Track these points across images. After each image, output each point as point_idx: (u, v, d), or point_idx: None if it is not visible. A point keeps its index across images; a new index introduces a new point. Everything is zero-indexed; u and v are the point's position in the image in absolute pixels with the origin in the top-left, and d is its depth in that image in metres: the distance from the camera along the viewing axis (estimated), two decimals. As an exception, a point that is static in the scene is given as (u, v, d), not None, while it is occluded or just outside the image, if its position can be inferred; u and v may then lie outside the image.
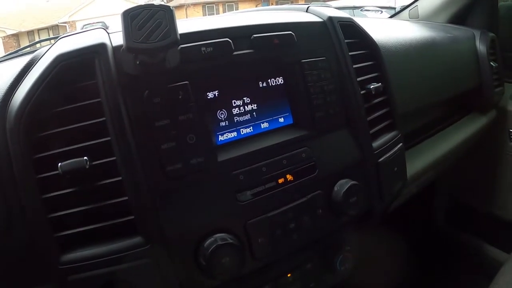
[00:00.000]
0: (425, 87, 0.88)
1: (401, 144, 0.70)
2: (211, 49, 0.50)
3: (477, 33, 1.10)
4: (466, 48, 1.07)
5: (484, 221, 1.26)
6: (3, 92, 0.46)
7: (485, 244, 1.24)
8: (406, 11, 1.19)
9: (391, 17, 1.25)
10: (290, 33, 0.56)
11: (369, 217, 0.66)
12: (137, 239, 0.45)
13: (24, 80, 0.46)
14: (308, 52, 0.58)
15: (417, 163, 0.86)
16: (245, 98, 0.54)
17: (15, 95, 0.46)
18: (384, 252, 1.22)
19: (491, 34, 1.12)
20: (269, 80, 0.56)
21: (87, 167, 0.43)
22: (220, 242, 0.46)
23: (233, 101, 0.53)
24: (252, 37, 0.53)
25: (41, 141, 0.44)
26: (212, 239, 0.47)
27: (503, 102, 1.17)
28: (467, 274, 1.22)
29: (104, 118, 0.44)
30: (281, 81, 0.56)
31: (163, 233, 0.46)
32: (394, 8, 1.11)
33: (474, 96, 1.09)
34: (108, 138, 0.44)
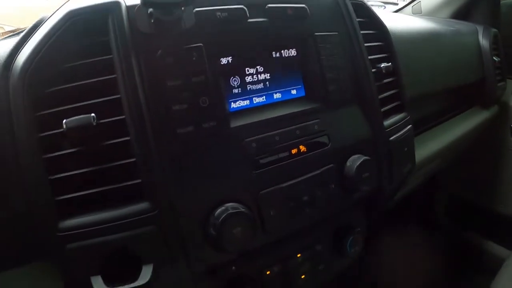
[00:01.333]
0: (429, 75, 0.88)
1: (410, 125, 0.70)
2: (226, 14, 0.49)
3: (480, 28, 1.11)
4: (469, 42, 1.08)
5: (485, 217, 1.26)
6: (7, 50, 0.45)
7: (486, 240, 1.24)
8: (409, 6, 1.20)
9: (394, 12, 1.26)
10: (304, 6, 0.56)
11: (379, 198, 0.65)
12: (143, 205, 0.43)
13: (31, 38, 0.45)
14: (322, 26, 0.58)
15: (423, 151, 0.86)
16: (258, 67, 0.52)
17: (21, 52, 0.44)
18: (384, 247, 1.22)
19: (494, 30, 1.13)
20: (282, 51, 0.55)
21: (94, 124, 0.41)
22: (231, 211, 0.45)
23: (246, 69, 0.52)
24: (266, 7, 0.53)
25: (46, 98, 0.42)
26: (223, 207, 0.45)
27: (505, 98, 1.18)
28: (468, 270, 1.21)
29: (114, 75, 0.43)
30: (294, 52, 0.56)
31: (172, 199, 0.44)
32: (397, 4, 1.12)
33: (476, 90, 1.09)
34: (118, 96, 0.43)
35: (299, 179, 0.51)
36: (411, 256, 1.19)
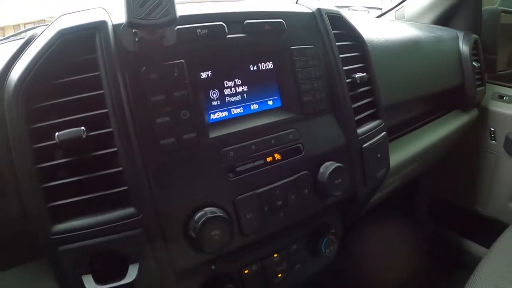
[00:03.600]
0: (408, 82, 0.92)
1: (384, 132, 0.73)
2: (206, 31, 0.52)
3: (460, 34, 1.15)
4: (450, 48, 1.11)
5: (465, 217, 1.30)
6: (2, 65, 0.48)
7: (465, 240, 1.28)
8: (393, 12, 1.24)
9: (377, 17, 1.29)
10: (281, 21, 0.59)
11: (353, 201, 0.69)
12: (129, 210, 0.47)
13: (24, 54, 0.48)
14: (297, 40, 0.61)
15: (400, 154, 0.90)
16: (236, 80, 0.56)
17: (15, 67, 0.47)
18: (364, 247, 1.25)
19: (474, 36, 1.17)
20: (259, 64, 0.58)
21: (84, 136, 0.45)
22: (210, 215, 0.49)
23: (225, 82, 0.55)
24: (245, 22, 0.56)
25: (39, 111, 0.46)
26: (202, 212, 0.49)
27: (485, 102, 1.22)
28: (447, 268, 1.26)
29: (102, 91, 0.46)
30: (271, 65, 0.59)
31: (155, 204, 0.48)
32: (381, 9, 1.16)
33: (456, 95, 1.13)
34: (106, 110, 0.46)
35: (273, 185, 0.55)
36: (392, 254, 1.23)
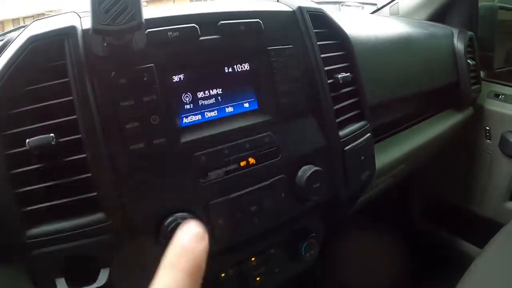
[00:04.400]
0: (397, 80, 0.90)
1: (369, 134, 0.72)
2: (177, 34, 0.51)
3: (455, 31, 1.12)
4: (444, 45, 1.09)
5: (459, 217, 1.29)
6: None
7: (458, 239, 1.27)
8: (387, 7, 1.22)
9: (372, 13, 1.27)
10: (258, 21, 0.58)
11: (335, 205, 0.68)
12: (99, 215, 0.46)
13: None
14: (276, 40, 0.60)
15: (391, 153, 0.88)
16: (210, 83, 0.55)
17: None
18: (359, 246, 1.25)
19: (470, 33, 1.14)
20: (235, 66, 0.57)
21: (53, 143, 0.44)
22: (180, 220, 0.48)
23: (198, 85, 0.54)
24: (218, 24, 0.55)
25: (10, 118, 0.45)
26: (173, 217, 0.49)
27: (481, 100, 1.20)
28: (439, 267, 1.25)
29: (71, 97, 0.46)
30: (247, 67, 0.58)
31: (125, 210, 0.47)
32: (376, 4, 1.13)
33: (450, 93, 1.11)
34: (75, 117, 0.46)
35: (246, 190, 0.55)
36: (383, 253, 1.22)
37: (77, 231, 0.45)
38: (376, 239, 1.30)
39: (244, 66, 0.58)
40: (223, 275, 0.59)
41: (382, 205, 1.29)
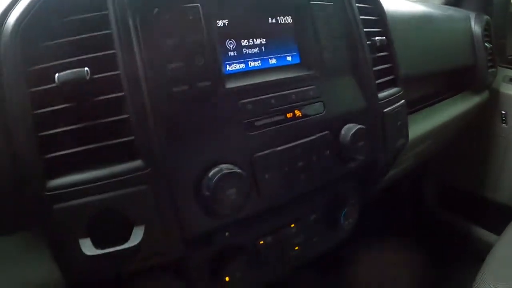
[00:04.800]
0: (421, 56, 0.89)
1: (403, 101, 0.70)
2: None
3: (472, 15, 1.12)
4: (461, 28, 1.09)
5: (475, 203, 1.27)
6: (1, 8, 0.43)
7: (475, 226, 1.25)
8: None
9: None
10: None
11: (373, 170, 0.65)
12: (136, 163, 0.42)
13: None
14: None
15: (414, 130, 0.86)
16: (254, 31, 0.52)
17: (13, 12, 0.43)
18: (375, 235, 1.22)
19: (486, 17, 1.14)
20: (278, 18, 0.54)
21: (88, 78, 0.40)
22: (226, 171, 0.44)
23: (242, 32, 0.51)
24: None
25: (39, 53, 0.41)
26: (218, 168, 0.45)
27: (496, 84, 1.20)
28: (457, 255, 1.23)
29: (110, 31, 0.42)
30: (290, 20, 0.55)
31: (165, 158, 0.43)
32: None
33: (468, 75, 1.10)
34: (113, 51, 0.42)
35: (295, 143, 0.51)
36: (400, 242, 1.20)
37: (108, 181, 0.40)
38: (390, 228, 1.27)
39: (287, 18, 0.55)
40: (261, 242, 0.55)
41: (396, 192, 1.27)
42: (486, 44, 1.11)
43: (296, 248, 0.59)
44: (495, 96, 1.18)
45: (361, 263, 1.19)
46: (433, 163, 1.31)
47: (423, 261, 1.20)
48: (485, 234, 1.22)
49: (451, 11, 1.11)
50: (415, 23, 0.91)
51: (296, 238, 0.59)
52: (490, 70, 1.12)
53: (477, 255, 1.09)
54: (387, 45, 0.68)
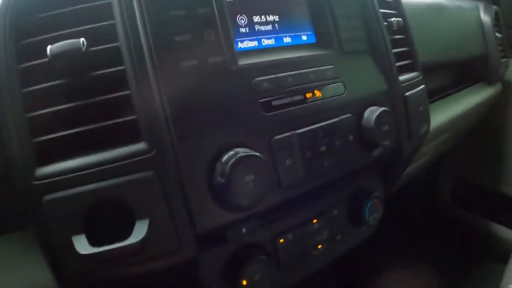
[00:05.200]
0: (434, 46, 0.85)
1: (423, 85, 0.65)
2: None
3: (480, 5, 1.09)
4: (471, 18, 1.05)
5: (491, 199, 1.22)
6: None
7: (494, 224, 1.19)
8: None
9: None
10: None
11: (398, 159, 0.60)
12: (139, 145, 0.36)
13: None
14: None
15: (432, 120, 0.82)
16: (267, 7, 0.48)
17: None
18: (390, 235, 1.17)
19: (495, 7, 1.11)
20: (291, -7, 0.50)
21: (84, 49, 0.35)
22: (243, 154, 0.38)
23: (254, 7, 0.47)
24: None
25: (30, 26, 0.37)
26: (233, 152, 0.39)
27: (508, 77, 1.16)
28: (477, 255, 1.17)
29: (110, 0, 0.38)
30: (304, -4, 0.51)
31: (172, 140, 0.37)
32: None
33: (480, 67, 1.07)
34: (112, 22, 0.37)
35: (316, 125, 0.46)
36: (415, 243, 1.14)
37: (107, 166, 0.35)
38: (404, 227, 1.22)
39: (301, -7, 0.51)
40: (281, 240, 0.50)
41: (410, 191, 1.22)
42: (496, 34, 1.07)
43: (319, 246, 0.53)
44: (508, 88, 1.14)
45: (375, 267, 1.12)
46: (447, 158, 1.26)
47: (438, 263, 1.14)
48: (505, 232, 1.16)
49: (460, 1, 1.08)
50: (426, 13, 0.87)
51: (319, 236, 0.53)
52: (502, 60, 1.09)
53: (498, 254, 1.03)
54: (404, 28, 0.64)
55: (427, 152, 0.85)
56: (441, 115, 0.86)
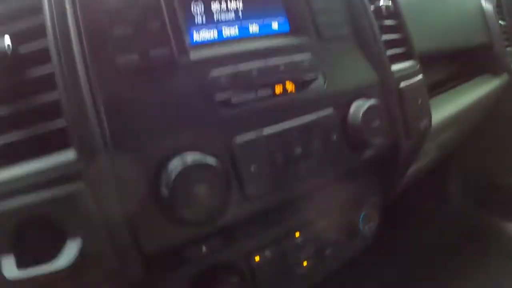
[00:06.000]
0: (434, 31, 0.79)
1: (421, 75, 0.58)
2: None
3: (480, -10, 1.02)
4: (472, 5, 0.98)
5: (503, 195, 1.13)
6: None
7: (505, 221, 1.10)
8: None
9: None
10: None
11: (395, 159, 0.52)
12: (68, 154, 0.31)
13: None
14: None
15: (435, 116, 0.74)
16: (227, -9, 0.41)
17: None
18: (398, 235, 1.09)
19: (496, -8, 1.04)
20: (257, -26, 0.44)
21: (8, 49, 0.30)
22: (189, 161, 0.32)
23: (211, -8, 0.40)
24: None
25: None
26: (179, 158, 0.33)
27: (515, 66, 1.08)
28: (492, 256, 1.08)
29: None
30: (273, -23, 0.45)
31: (106, 145, 0.32)
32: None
33: (485, 56, 0.99)
34: (41, 15, 0.32)
35: (289, 123, 0.39)
36: (427, 245, 1.06)
37: (31, 179, 0.30)
38: (416, 229, 1.13)
39: (268, -27, 0.44)
40: (257, 258, 0.43)
41: (418, 191, 1.14)
42: (500, 22, 1.00)
43: (305, 263, 0.46)
44: (515, 79, 1.06)
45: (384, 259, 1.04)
46: (458, 155, 1.18)
47: (452, 266, 1.05)
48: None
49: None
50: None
51: (304, 251, 0.46)
52: (507, 49, 1.01)
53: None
54: (395, 13, 0.57)
55: (431, 150, 0.77)
56: (444, 110, 0.79)
